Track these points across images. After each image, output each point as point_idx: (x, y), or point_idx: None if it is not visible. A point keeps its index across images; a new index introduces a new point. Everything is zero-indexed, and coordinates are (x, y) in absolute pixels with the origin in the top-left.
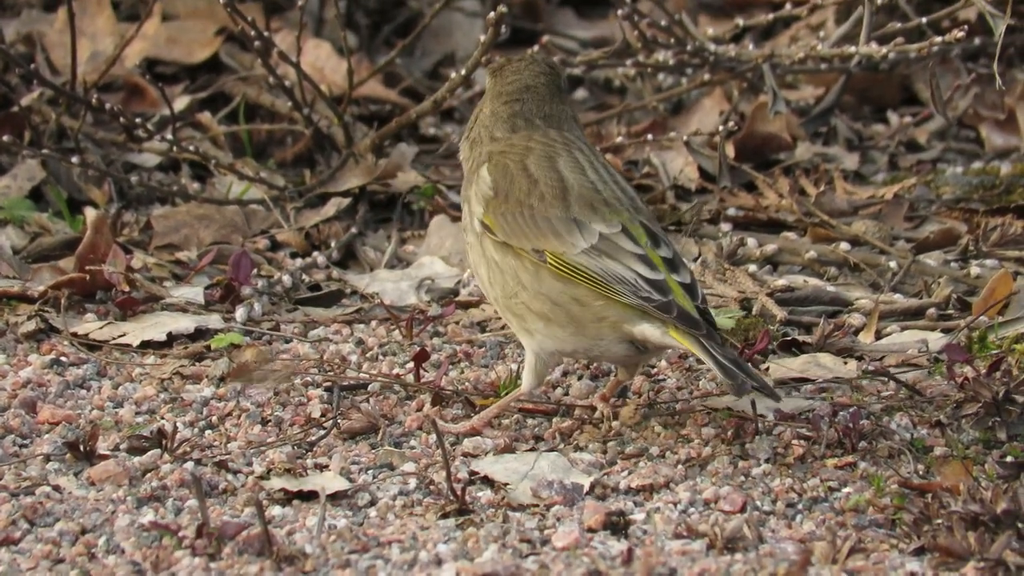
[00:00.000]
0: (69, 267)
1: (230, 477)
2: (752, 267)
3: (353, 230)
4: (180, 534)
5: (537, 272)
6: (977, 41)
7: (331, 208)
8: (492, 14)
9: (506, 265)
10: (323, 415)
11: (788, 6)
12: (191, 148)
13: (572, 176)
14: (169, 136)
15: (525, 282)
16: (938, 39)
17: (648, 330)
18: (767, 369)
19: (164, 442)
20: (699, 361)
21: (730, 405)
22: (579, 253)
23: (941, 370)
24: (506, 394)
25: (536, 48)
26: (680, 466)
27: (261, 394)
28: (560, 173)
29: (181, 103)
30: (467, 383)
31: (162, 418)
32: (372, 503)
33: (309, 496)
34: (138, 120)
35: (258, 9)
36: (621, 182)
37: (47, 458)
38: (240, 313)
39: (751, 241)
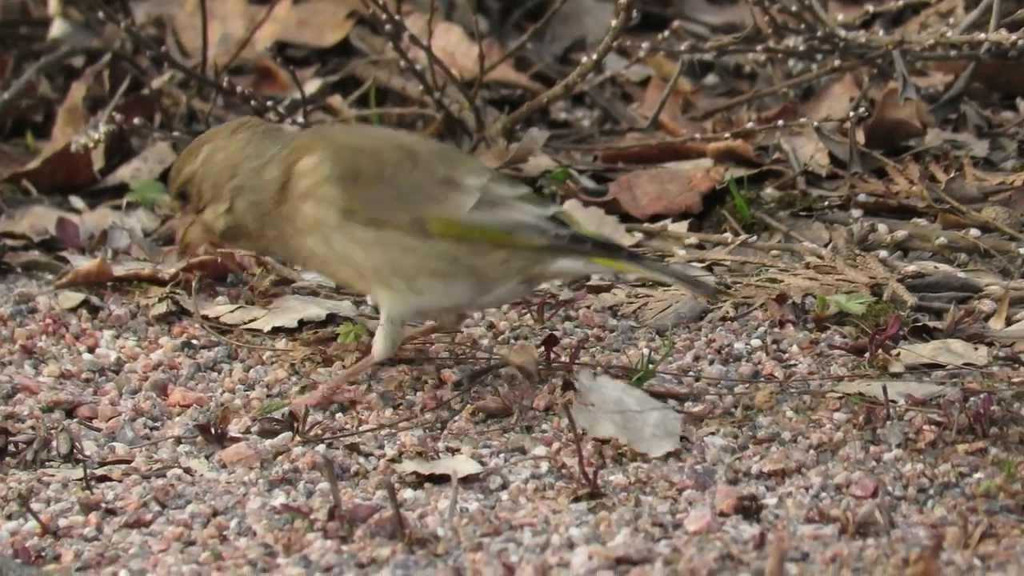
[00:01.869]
0: (200, 250)
1: (362, 460)
2: (883, 253)
3: None
4: (311, 517)
5: (429, 239)
6: None
7: None
8: None
9: (386, 238)
10: (455, 399)
11: None
12: None
13: (405, 139)
14: (300, 119)
15: (415, 247)
16: None
17: (568, 264)
18: (898, 355)
19: (295, 425)
20: (640, 281)
21: (862, 391)
22: (469, 212)
23: None
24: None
25: (666, 33)
26: (812, 451)
27: (393, 378)
28: (394, 139)
29: (312, 86)
30: (598, 366)
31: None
32: (504, 486)
33: (441, 479)
34: (269, 103)
35: None
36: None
37: (178, 440)
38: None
39: (881, 227)
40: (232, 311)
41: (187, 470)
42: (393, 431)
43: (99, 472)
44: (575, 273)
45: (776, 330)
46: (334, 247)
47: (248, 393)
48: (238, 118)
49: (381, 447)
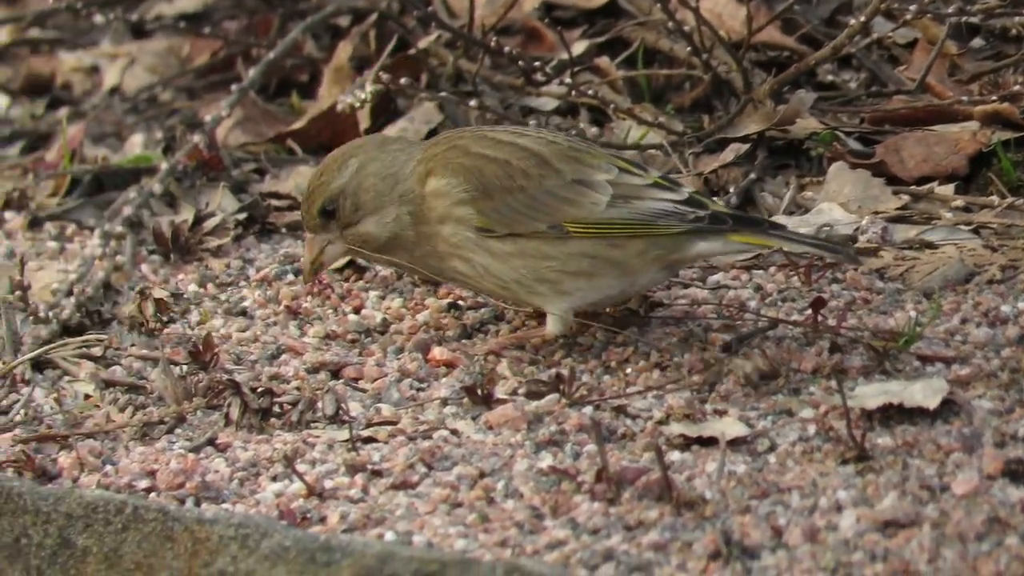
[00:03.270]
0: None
1: (629, 422)
2: None
3: (752, 176)
4: (579, 479)
5: (565, 241)
6: None
7: (729, 154)
8: None
9: (523, 248)
10: (720, 361)
11: None
12: (589, 92)
13: (530, 142)
14: (567, 80)
15: (553, 253)
16: None
17: (706, 246)
18: None
19: (562, 387)
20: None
21: None
22: (605, 209)
23: None
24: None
25: None
26: None
27: (659, 339)
28: (517, 144)
29: (579, 47)
30: (865, 330)
31: (560, 363)
32: (771, 449)
33: (708, 442)
34: (536, 64)
35: None
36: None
37: (444, 402)
38: None
39: None
40: None
41: (453, 431)
42: (660, 393)
43: (365, 433)
44: (714, 253)
45: None
46: (476, 265)
47: (514, 354)
48: (376, 134)
49: (648, 409)
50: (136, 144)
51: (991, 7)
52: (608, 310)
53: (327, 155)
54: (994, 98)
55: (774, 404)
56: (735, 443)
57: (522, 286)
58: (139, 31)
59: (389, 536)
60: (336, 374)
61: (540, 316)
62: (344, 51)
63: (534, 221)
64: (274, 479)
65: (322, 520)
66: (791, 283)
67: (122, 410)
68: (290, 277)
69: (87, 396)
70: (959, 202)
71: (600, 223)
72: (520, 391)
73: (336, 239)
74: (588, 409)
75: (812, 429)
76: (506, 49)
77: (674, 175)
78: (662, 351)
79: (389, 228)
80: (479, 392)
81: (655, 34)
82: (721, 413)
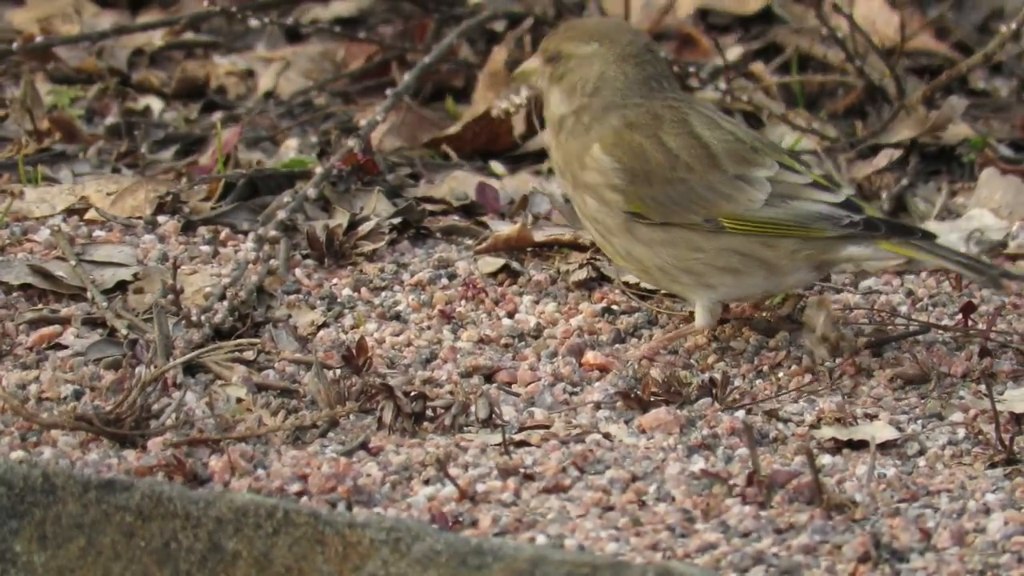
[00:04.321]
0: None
1: (780, 426)
2: None
3: (904, 181)
4: (730, 482)
5: (717, 236)
6: None
7: (883, 159)
8: None
9: (674, 238)
10: (872, 365)
11: None
12: (743, 98)
13: (711, 134)
14: (722, 85)
15: (703, 246)
16: None
17: (856, 251)
18: None
19: (714, 391)
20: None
21: None
22: (762, 207)
23: None
24: None
25: None
26: None
27: (811, 343)
28: (699, 137)
29: (733, 53)
30: (1015, 334)
31: (713, 367)
32: (921, 452)
33: (859, 445)
34: (691, 69)
35: None
36: (743, 123)
37: (597, 406)
38: None
39: None
40: None
41: (606, 435)
42: (812, 397)
43: (517, 437)
44: (864, 258)
45: None
46: (614, 244)
47: (667, 358)
48: (632, 29)
49: (800, 413)
50: (291, 148)
51: None
52: (766, 314)
53: (586, 19)
54: None
55: (924, 408)
56: (885, 446)
57: (665, 274)
58: (294, 35)
59: (541, 540)
60: (489, 378)
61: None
62: (499, 55)
63: (690, 213)
64: (426, 483)
65: (474, 524)
66: (942, 288)
67: (274, 414)
68: (444, 281)
69: (239, 400)
70: None
71: (756, 221)
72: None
73: (543, 76)
74: (740, 413)
75: (961, 433)
76: (662, 54)
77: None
78: (813, 356)
79: (558, 111)
80: (632, 395)
81: (809, 40)
82: (872, 416)
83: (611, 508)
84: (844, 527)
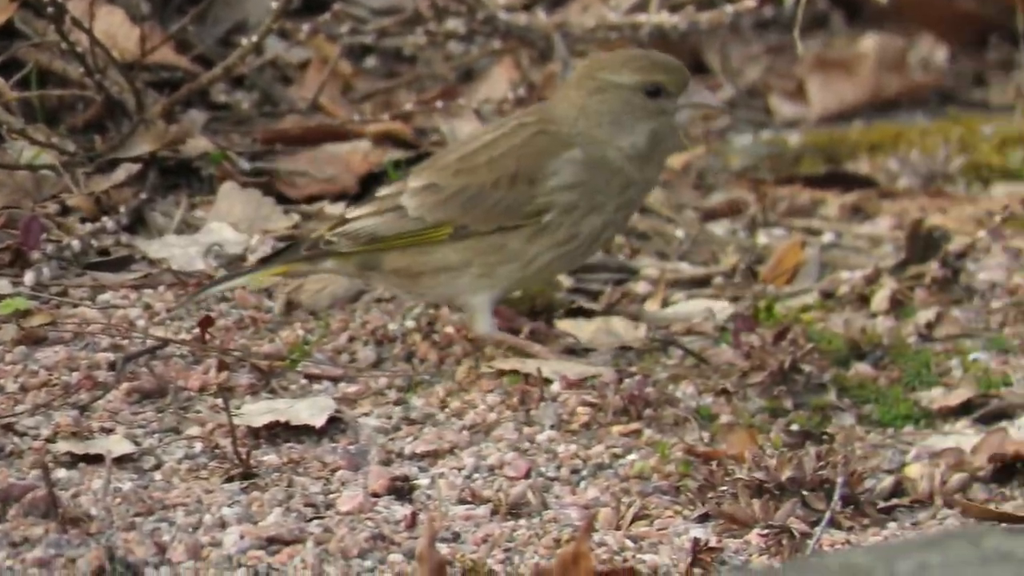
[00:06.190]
0: None
1: (17, 440)
2: None
3: (143, 195)
4: None
5: None
6: (768, 12)
7: (121, 173)
8: None
9: None
10: (109, 379)
11: None
12: None
13: None
14: None
15: None
16: (729, 9)
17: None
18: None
19: None
20: None
21: (517, 368)
22: None
23: (728, 339)
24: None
25: (327, 16)
26: (465, 432)
27: (49, 358)
28: None
29: None
30: (252, 349)
31: None
32: (158, 466)
33: (95, 459)
34: None
35: None
36: None
37: None
38: (29, 278)
39: None
40: None
41: None
42: (48, 411)
43: None
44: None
45: (432, 311)
46: None
47: None
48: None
49: (37, 427)
50: None
51: (384, 27)
52: None
53: None
54: (386, 117)
55: (161, 422)
56: (121, 460)
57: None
58: None
59: None
60: None
61: None
62: None
63: None
64: None
65: None
66: (181, 302)
67: None
68: None
69: None
70: None
71: None
72: None
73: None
74: None
75: (199, 447)
76: None
77: (65, 195)
78: (51, 369)
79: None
80: None
81: (50, 55)
82: (108, 431)
83: None
84: (79, 540)
